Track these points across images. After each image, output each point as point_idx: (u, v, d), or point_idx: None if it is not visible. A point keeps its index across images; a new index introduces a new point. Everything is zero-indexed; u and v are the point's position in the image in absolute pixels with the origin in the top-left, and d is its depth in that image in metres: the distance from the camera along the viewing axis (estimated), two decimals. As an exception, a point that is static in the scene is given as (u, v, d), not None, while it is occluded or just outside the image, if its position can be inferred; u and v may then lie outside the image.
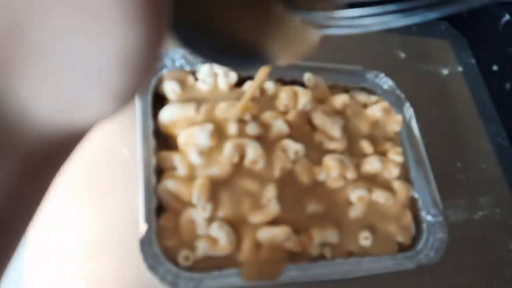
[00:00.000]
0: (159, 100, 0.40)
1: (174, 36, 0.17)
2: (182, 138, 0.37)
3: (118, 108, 0.12)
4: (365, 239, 0.38)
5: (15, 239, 0.14)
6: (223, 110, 0.38)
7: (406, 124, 0.44)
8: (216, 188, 0.36)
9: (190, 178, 0.36)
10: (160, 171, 0.37)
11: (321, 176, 0.39)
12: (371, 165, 0.41)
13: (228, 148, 0.37)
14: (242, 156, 0.37)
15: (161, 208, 0.36)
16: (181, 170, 0.37)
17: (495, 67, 0.55)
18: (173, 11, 0.13)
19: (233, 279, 0.34)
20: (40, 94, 0.11)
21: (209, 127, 0.37)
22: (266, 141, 0.39)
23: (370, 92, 0.47)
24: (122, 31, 0.10)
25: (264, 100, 0.42)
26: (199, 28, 0.19)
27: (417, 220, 0.41)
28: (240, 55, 0.21)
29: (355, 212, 0.39)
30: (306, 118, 0.42)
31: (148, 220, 0.34)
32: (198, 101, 0.39)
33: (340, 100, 0.44)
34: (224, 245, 0.35)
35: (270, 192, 0.37)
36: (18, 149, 0.12)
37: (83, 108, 0.12)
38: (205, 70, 0.41)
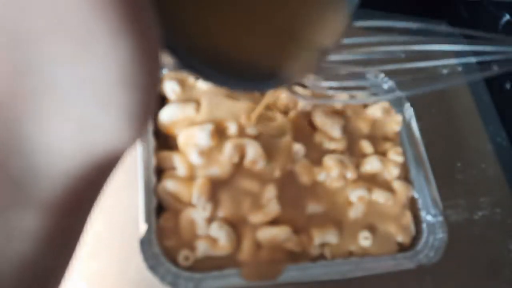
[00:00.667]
0: (159, 100, 0.40)
1: (172, 56, 0.16)
2: (182, 138, 0.37)
3: (134, 131, 0.12)
4: (365, 239, 0.38)
5: (58, 279, 0.14)
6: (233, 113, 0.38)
7: (406, 124, 0.44)
8: (216, 188, 0.36)
9: (190, 178, 0.36)
10: (160, 171, 0.37)
11: (321, 176, 0.39)
12: (371, 165, 0.41)
13: (228, 148, 0.37)
14: (242, 156, 0.37)
15: (161, 208, 0.36)
16: (181, 170, 0.37)
17: (495, 68, 0.55)
18: (171, 33, 0.13)
19: (233, 279, 0.34)
20: (57, 128, 0.11)
21: (209, 127, 0.37)
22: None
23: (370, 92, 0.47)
24: (112, 46, 0.10)
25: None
26: (200, 50, 0.16)
27: (417, 220, 0.41)
28: (249, 77, 0.18)
29: (355, 212, 0.39)
30: (306, 118, 0.42)
31: (148, 220, 0.34)
32: (198, 101, 0.39)
33: (340, 100, 0.44)
34: (224, 245, 0.35)
35: (270, 192, 0.37)
36: (48, 193, 0.12)
37: (99, 134, 0.12)
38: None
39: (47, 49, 0.10)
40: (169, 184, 0.36)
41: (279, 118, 0.40)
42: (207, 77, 0.17)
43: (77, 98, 0.11)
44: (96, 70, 0.11)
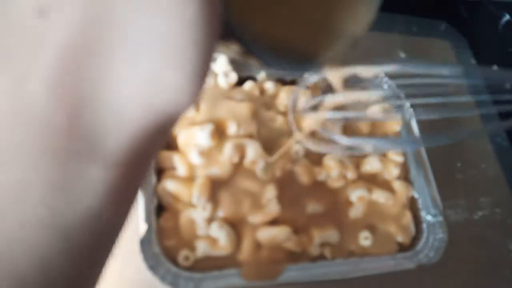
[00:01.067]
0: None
1: (229, 31, 0.17)
2: (182, 138, 0.37)
3: (193, 91, 0.12)
4: (365, 239, 0.38)
5: (116, 236, 0.14)
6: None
7: (406, 124, 0.44)
8: (216, 188, 0.36)
9: (190, 178, 0.36)
10: (160, 171, 0.37)
11: (321, 176, 0.39)
12: (371, 165, 0.41)
13: (228, 148, 0.37)
14: (242, 156, 0.37)
15: (161, 208, 0.36)
16: (181, 170, 0.37)
17: (495, 67, 0.55)
18: (227, 8, 0.14)
19: (233, 279, 0.34)
20: (125, 85, 0.11)
21: (209, 127, 0.37)
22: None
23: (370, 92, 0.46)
24: (184, 1, 0.11)
25: (264, 100, 0.42)
26: (252, 30, 0.18)
27: (417, 220, 0.41)
28: (289, 60, 0.20)
29: (355, 212, 0.39)
30: (306, 118, 0.42)
31: (148, 220, 0.34)
32: (198, 101, 0.39)
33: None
34: (224, 245, 0.35)
35: (270, 192, 0.37)
36: (114, 149, 0.12)
37: (163, 92, 0.12)
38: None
39: (123, 2, 0.11)
40: (169, 184, 0.36)
41: (279, 118, 0.41)
42: (253, 52, 0.19)
43: (146, 53, 0.11)
44: (168, 24, 0.11)
